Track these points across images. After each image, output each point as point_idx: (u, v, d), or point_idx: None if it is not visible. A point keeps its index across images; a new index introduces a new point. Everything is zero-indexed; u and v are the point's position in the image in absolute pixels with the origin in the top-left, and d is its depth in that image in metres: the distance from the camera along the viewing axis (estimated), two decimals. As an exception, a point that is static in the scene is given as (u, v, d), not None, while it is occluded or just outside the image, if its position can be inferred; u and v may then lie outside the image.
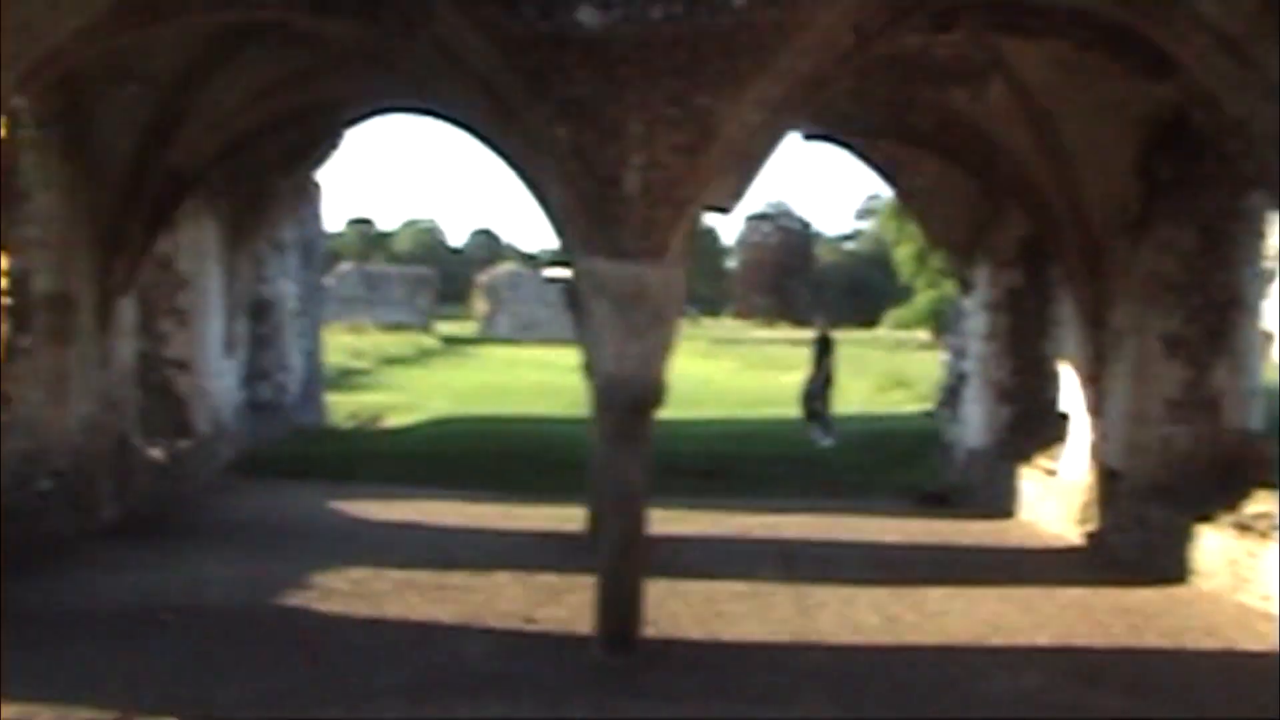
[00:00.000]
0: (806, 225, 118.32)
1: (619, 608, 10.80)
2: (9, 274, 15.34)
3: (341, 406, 30.53)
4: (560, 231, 11.59)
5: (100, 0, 12.14)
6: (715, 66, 10.39)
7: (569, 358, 40.68)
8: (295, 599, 12.65)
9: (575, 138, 10.44)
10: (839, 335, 32.20)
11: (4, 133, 14.85)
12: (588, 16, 10.22)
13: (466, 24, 10.78)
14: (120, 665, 10.18)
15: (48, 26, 11.86)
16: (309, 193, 25.50)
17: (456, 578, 13.55)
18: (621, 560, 10.79)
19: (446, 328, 75.46)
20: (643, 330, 10.67)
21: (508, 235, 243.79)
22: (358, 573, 13.67)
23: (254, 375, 24.59)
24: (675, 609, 12.32)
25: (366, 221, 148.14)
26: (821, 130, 18.63)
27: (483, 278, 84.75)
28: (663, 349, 10.86)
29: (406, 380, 41.46)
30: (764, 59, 10.50)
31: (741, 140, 10.85)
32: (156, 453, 18.63)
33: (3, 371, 15.27)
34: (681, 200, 10.54)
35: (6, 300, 15.28)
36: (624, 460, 10.81)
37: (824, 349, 28.29)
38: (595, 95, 10.35)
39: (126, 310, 17.04)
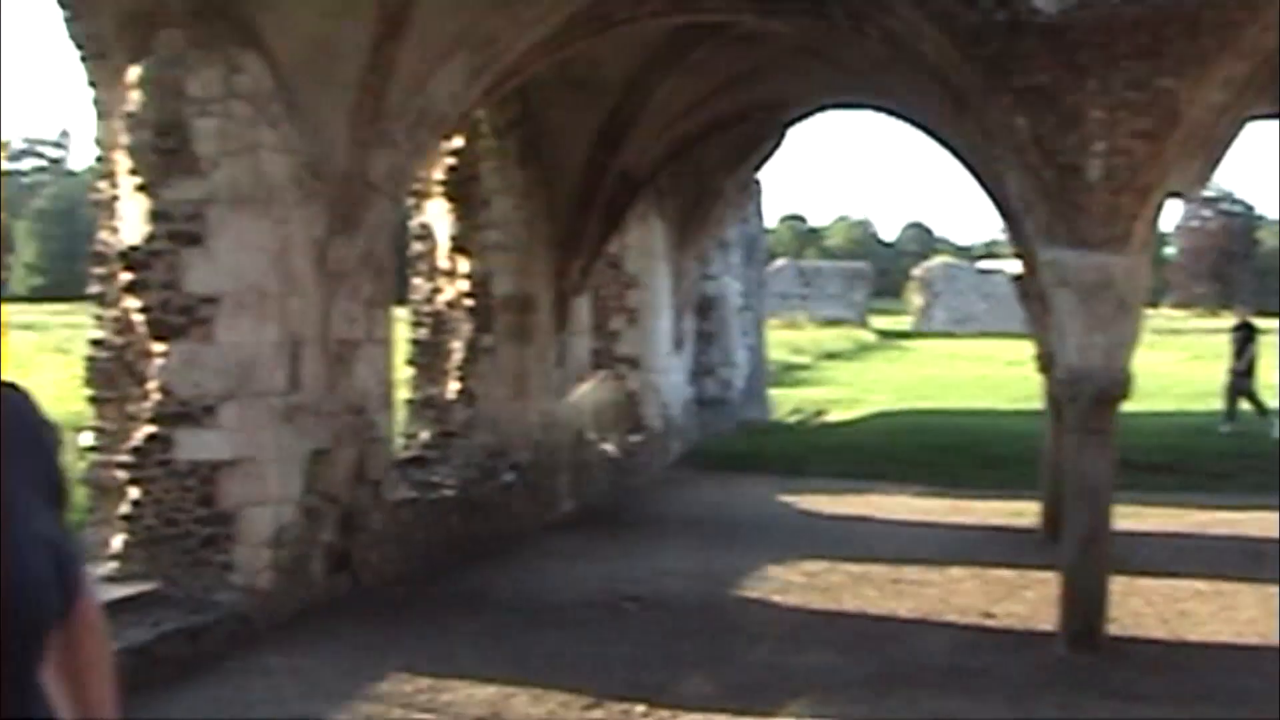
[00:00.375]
0: (1249, 208, 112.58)
1: (1083, 604, 10.53)
2: (472, 277, 16.05)
3: (785, 401, 30.69)
4: (1015, 223, 11.37)
5: (558, 12, 12.56)
6: (1178, 47, 9.98)
7: (1008, 350, 39.85)
8: (752, 590, 12.80)
9: (1035, 126, 10.21)
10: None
11: (466, 142, 15.56)
12: (1045, 3, 9.98)
13: (920, 16, 10.70)
14: (587, 652, 10.47)
15: (510, 40, 12.35)
16: (751, 191, 25.76)
17: (911, 572, 13.47)
18: (1086, 556, 10.51)
19: (881, 322, 75.07)
20: (1107, 321, 10.36)
21: (940, 228, 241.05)
22: (812, 565, 13.74)
23: (701, 371, 24.97)
24: (1137, 606, 11.93)
25: (799, 218, 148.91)
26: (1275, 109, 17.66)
27: (917, 271, 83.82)
28: (1128, 340, 10.53)
29: (845, 375, 41.39)
30: (1229, 36, 10.03)
31: (1205, 123, 10.41)
32: (610, 447, 19.15)
33: (467, 370, 15.99)
34: (1145, 187, 10.19)
35: (470, 302, 15.99)
36: (1088, 454, 10.52)
37: (1247, 337, 26.84)
38: (1054, 82, 10.10)
39: (581, 310, 17.58)
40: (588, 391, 18.17)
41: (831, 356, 49.31)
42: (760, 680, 9.73)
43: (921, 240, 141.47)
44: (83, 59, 12.54)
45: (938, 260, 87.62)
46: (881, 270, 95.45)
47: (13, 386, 2.29)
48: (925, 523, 16.81)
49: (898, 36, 11.30)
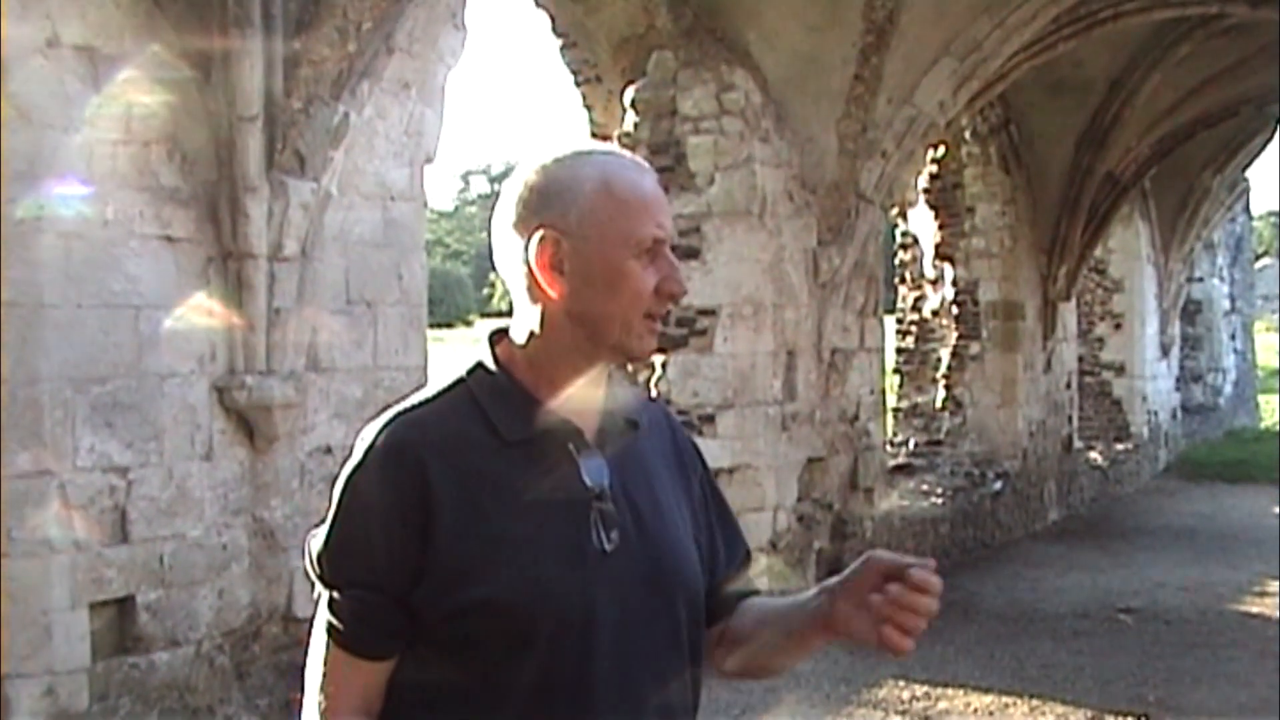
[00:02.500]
0: None
1: None
2: (957, 284, 16.03)
3: (1274, 408, 29.36)
4: None
5: (1043, 14, 12.41)
6: None
7: None
8: (1254, 606, 12.32)
9: None
10: None
11: (949, 149, 15.52)
12: None
13: None
14: (1084, 664, 10.26)
15: (994, 45, 12.26)
16: (1240, 189, 24.81)
17: None
18: None
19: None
20: None
21: None
22: (1316, 582, 13.08)
23: (1188, 377, 24.24)
24: None
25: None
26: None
27: None
28: None
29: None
30: None
31: None
32: (1096, 456, 18.79)
33: (954, 377, 15.98)
34: None
35: (956, 309, 15.98)
36: None
37: None
38: None
39: (1067, 316, 17.32)
40: None
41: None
42: (1266, 699, 9.30)
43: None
44: (576, 84, 13.12)
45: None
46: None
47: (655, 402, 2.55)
48: None
49: None
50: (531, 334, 2.25)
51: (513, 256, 2.24)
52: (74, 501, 6.55)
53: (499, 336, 2.31)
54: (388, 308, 8.30)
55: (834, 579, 2.27)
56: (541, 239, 2.19)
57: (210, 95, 7.12)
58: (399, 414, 2.23)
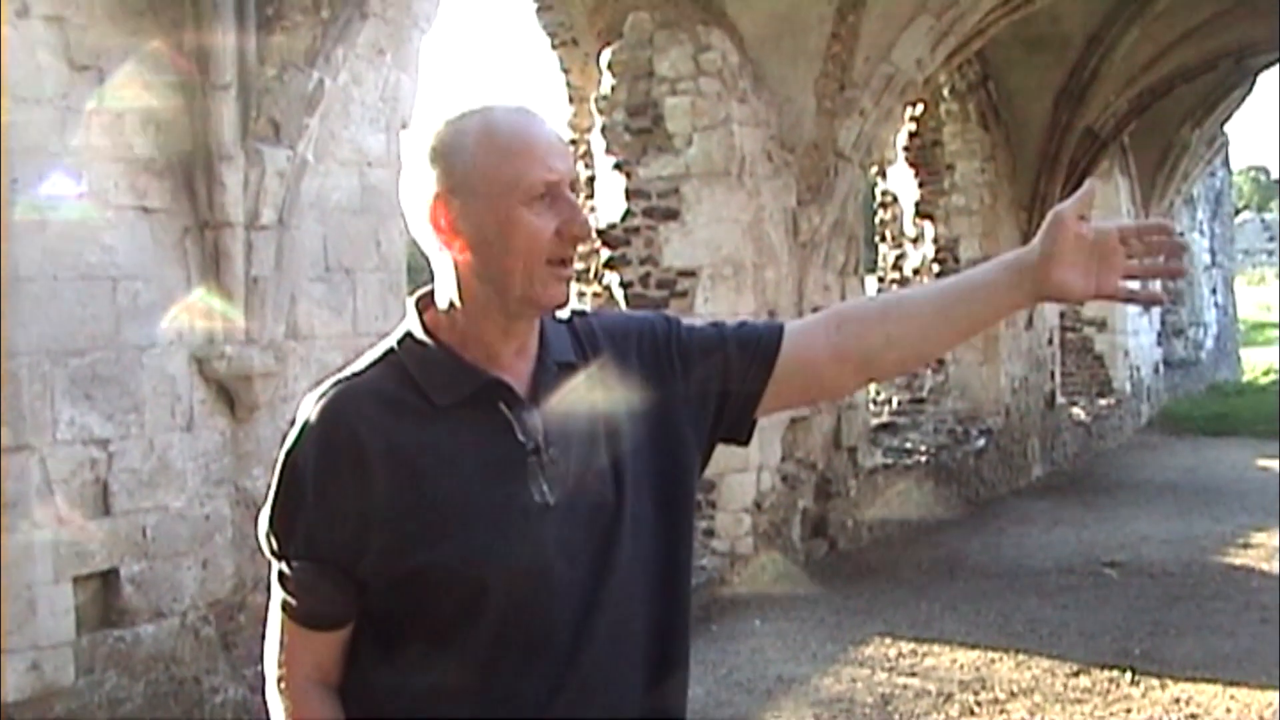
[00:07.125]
0: None
1: None
2: (938, 241, 16.02)
3: (1255, 362, 29.42)
4: None
5: (1019, -30, 12.38)
6: None
7: None
8: (1238, 558, 12.35)
9: None
10: None
11: (927, 107, 15.48)
12: None
13: None
14: (1069, 618, 10.29)
15: (971, 2, 12.21)
16: (1219, 143, 24.81)
17: None
18: None
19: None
20: None
21: None
22: (1299, 532, 13.11)
23: (1169, 332, 24.30)
24: None
25: (1262, 169, 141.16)
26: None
27: (1396, 220, 78.47)
28: None
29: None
30: None
31: None
32: (1079, 411, 18.83)
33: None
34: None
35: (936, 267, 15.97)
36: None
37: None
38: None
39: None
40: None
41: (1302, 316, 46.77)
42: (1250, 650, 9.34)
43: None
44: (553, 47, 13.10)
45: None
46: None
47: None
48: None
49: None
50: (451, 297, 2.23)
51: (423, 222, 2.21)
52: (55, 475, 6.51)
53: (425, 302, 2.29)
54: (367, 274, 8.27)
55: (1016, 253, 2.32)
56: (435, 200, 2.17)
57: (183, 64, 7.06)
58: (332, 385, 2.23)
